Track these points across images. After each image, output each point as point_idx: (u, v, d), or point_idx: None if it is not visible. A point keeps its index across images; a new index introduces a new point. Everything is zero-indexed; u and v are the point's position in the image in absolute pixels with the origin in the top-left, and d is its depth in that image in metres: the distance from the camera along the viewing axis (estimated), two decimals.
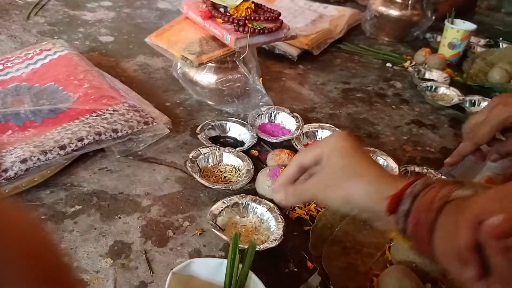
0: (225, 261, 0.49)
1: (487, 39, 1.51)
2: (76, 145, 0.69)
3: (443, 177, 0.77)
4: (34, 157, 0.66)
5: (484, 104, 1.06)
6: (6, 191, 0.64)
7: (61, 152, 0.68)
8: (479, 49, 1.42)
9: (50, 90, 0.81)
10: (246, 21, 0.82)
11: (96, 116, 0.74)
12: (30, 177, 0.66)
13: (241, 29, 0.81)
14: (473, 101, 1.07)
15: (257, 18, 0.84)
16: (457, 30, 1.28)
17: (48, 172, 0.68)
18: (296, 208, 0.69)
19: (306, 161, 0.50)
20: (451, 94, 1.10)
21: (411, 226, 0.41)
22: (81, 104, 0.76)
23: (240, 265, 0.49)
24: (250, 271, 0.49)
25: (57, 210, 0.64)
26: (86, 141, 0.70)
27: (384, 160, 0.80)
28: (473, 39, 1.41)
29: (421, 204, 0.40)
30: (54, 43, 0.96)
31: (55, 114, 0.75)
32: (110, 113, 0.75)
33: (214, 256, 0.60)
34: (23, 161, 0.65)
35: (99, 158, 0.75)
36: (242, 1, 0.83)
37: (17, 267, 0.22)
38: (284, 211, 0.67)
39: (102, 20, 1.30)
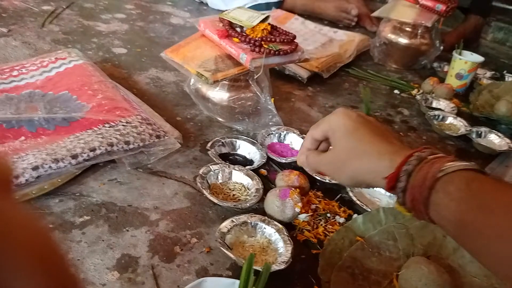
0: (237, 281, 0.49)
1: (493, 72, 1.53)
2: (88, 155, 0.69)
3: None
4: (46, 164, 0.66)
5: (491, 136, 1.07)
6: (16, 198, 0.64)
7: (73, 161, 0.68)
8: (485, 81, 1.44)
9: (64, 98, 0.82)
10: (262, 42, 0.83)
11: (109, 127, 0.75)
12: (40, 184, 0.66)
13: (257, 49, 0.82)
14: (479, 132, 1.08)
15: (273, 39, 0.85)
16: (465, 61, 1.30)
17: (59, 180, 0.68)
18: (304, 230, 0.69)
19: (317, 136, 0.56)
20: (458, 124, 1.11)
21: (409, 202, 0.44)
22: (94, 114, 0.77)
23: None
24: None
25: (65, 220, 0.64)
26: (98, 152, 0.70)
27: None
28: (479, 71, 1.43)
29: (415, 181, 0.43)
30: (69, 52, 0.97)
31: (68, 123, 0.75)
32: (123, 125, 0.75)
33: (221, 275, 0.60)
34: (35, 168, 0.65)
35: (109, 169, 0.75)
36: (259, 22, 0.84)
37: (20, 262, 0.22)
38: (292, 233, 0.67)
39: (115, 32, 1.32)
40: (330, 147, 0.56)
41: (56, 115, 0.77)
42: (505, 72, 1.55)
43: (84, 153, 0.69)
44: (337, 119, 0.53)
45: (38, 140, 0.71)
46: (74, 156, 0.69)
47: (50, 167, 0.66)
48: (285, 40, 0.87)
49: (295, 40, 0.89)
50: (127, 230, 0.64)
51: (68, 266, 0.26)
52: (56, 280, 0.24)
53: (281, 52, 0.85)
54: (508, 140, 1.05)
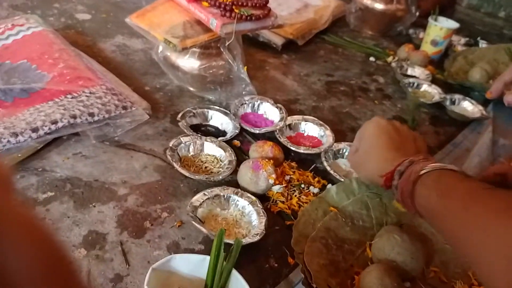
0: (208, 257, 0.47)
1: (467, 38, 1.53)
2: (49, 128, 0.66)
3: None
4: (4, 139, 0.62)
5: (464, 103, 1.07)
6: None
7: (33, 135, 0.64)
8: (459, 48, 1.43)
9: (23, 68, 0.76)
10: (233, 6, 0.79)
11: (71, 98, 0.71)
12: None
13: (227, 14, 0.78)
14: (453, 99, 1.08)
15: (244, 3, 0.81)
16: (440, 27, 1.28)
17: (19, 155, 0.64)
18: (278, 202, 0.68)
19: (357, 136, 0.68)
20: (432, 92, 1.10)
21: (399, 196, 0.54)
22: (55, 85, 0.72)
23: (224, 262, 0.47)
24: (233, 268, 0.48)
25: (27, 196, 0.61)
26: (60, 124, 0.66)
27: None
28: (454, 38, 1.42)
29: (404, 178, 0.53)
30: (27, 18, 0.91)
31: (27, 94, 0.71)
32: (86, 96, 0.71)
33: (193, 250, 0.58)
34: None
35: (73, 143, 0.71)
36: None
37: (20, 255, 0.22)
38: (266, 205, 0.66)
39: None
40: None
41: (14, 86, 0.72)
42: (479, 38, 1.55)
43: (45, 126, 0.65)
44: (369, 126, 0.66)
45: None
46: (35, 130, 0.65)
47: (8, 141, 0.63)
48: (257, 5, 0.83)
49: (267, 5, 0.86)
50: (94, 206, 0.62)
51: (69, 262, 0.25)
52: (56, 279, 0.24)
53: (253, 18, 0.81)
54: (481, 107, 1.05)
